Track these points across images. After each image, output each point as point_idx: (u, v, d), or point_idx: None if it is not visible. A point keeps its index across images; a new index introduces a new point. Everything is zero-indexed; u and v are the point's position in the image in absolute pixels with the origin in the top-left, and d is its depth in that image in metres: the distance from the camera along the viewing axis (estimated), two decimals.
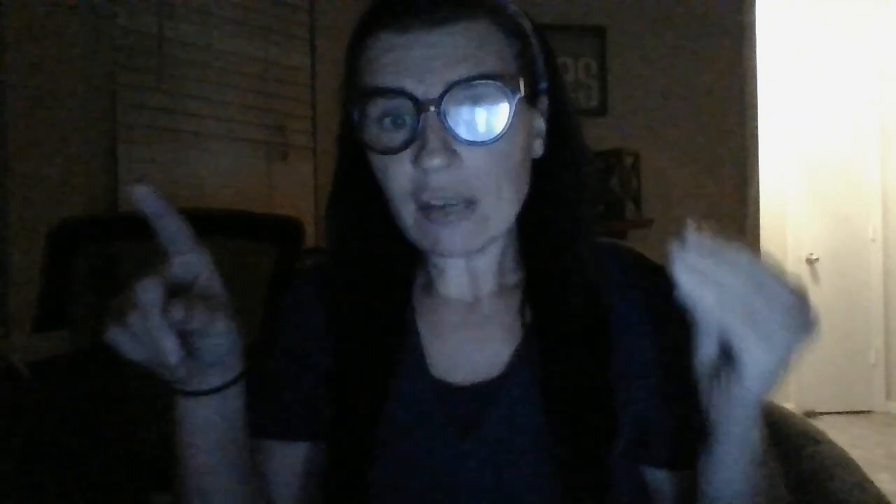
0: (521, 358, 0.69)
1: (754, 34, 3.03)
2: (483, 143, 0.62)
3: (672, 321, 0.67)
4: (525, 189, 0.68)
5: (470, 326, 0.72)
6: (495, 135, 0.62)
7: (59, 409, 1.27)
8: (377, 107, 0.63)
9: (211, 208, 2.00)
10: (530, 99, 0.66)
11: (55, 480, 1.19)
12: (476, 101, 0.62)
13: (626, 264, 0.72)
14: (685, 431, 0.68)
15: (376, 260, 0.72)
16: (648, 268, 0.72)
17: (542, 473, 0.65)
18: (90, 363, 1.43)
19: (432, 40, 0.62)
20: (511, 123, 0.63)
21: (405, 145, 0.62)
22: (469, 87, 0.61)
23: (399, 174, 0.64)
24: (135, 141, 1.98)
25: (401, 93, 0.61)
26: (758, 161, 3.05)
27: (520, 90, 0.63)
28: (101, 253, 1.59)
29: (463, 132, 0.62)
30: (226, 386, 0.59)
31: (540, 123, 0.69)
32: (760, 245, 3.08)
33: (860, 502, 0.81)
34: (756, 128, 3.04)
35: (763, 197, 3.12)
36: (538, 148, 0.70)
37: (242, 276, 1.61)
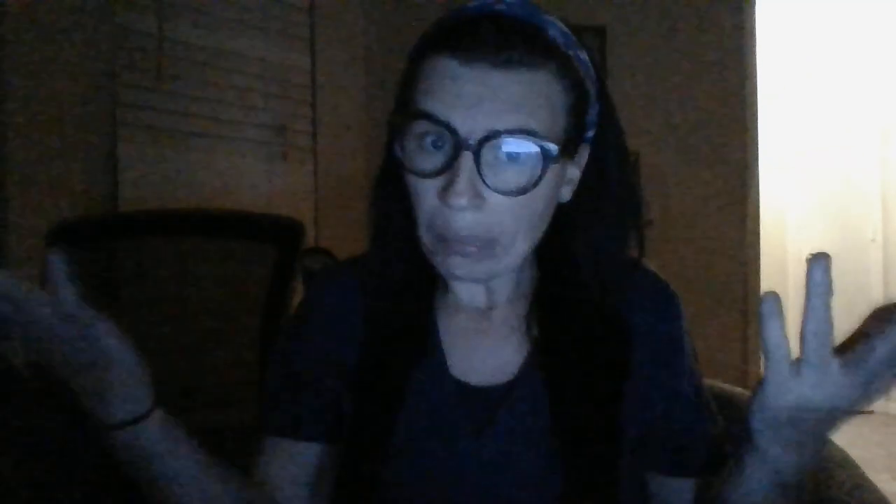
0: (531, 364, 0.72)
1: (754, 35, 3.03)
2: (508, 194, 0.63)
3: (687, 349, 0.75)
4: (544, 228, 0.69)
5: (485, 332, 0.74)
6: (522, 190, 0.63)
7: (59, 409, 1.27)
8: (420, 126, 0.64)
9: (210, 208, 1.99)
10: (567, 151, 0.67)
11: (55, 480, 1.19)
12: (513, 154, 0.63)
13: (651, 296, 0.75)
14: (693, 441, 0.72)
15: (408, 258, 0.73)
16: (671, 302, 0.76)
17: (547, 475, 0.68)
18: None
19: (491, 81, 0.62)
20: (539, 181, 0.63)
21: (436, 173, 0.64)
22: (510, 139, 0.62)
23: (425, 199, 0.65)
24: (135, 141, 1.98)
25: (445, 125, 0.62)
26: (758, 161, 3.05)
27: (558, 152, 0.64)
28: (101, 253, 1.59)
29: (492, 180, 0.62)
30: (135, 421, 0.62)
31: (574, 172, 0.70)
32: (760, 245, 3.08)
33: (860, 502, 0.81)
34: (756, 128, 3.04)
35: (763, 197, 3.12)
36: (566, 194, 0.71)
37: (242, 277, 1.61)
